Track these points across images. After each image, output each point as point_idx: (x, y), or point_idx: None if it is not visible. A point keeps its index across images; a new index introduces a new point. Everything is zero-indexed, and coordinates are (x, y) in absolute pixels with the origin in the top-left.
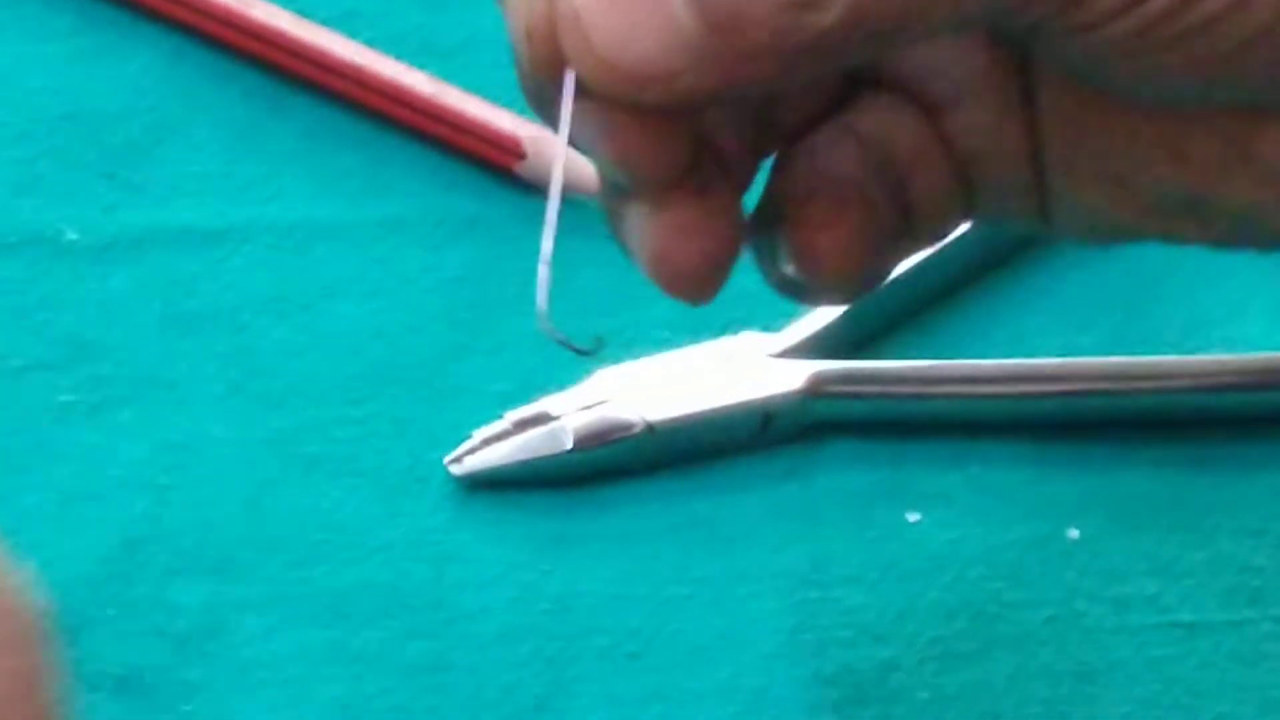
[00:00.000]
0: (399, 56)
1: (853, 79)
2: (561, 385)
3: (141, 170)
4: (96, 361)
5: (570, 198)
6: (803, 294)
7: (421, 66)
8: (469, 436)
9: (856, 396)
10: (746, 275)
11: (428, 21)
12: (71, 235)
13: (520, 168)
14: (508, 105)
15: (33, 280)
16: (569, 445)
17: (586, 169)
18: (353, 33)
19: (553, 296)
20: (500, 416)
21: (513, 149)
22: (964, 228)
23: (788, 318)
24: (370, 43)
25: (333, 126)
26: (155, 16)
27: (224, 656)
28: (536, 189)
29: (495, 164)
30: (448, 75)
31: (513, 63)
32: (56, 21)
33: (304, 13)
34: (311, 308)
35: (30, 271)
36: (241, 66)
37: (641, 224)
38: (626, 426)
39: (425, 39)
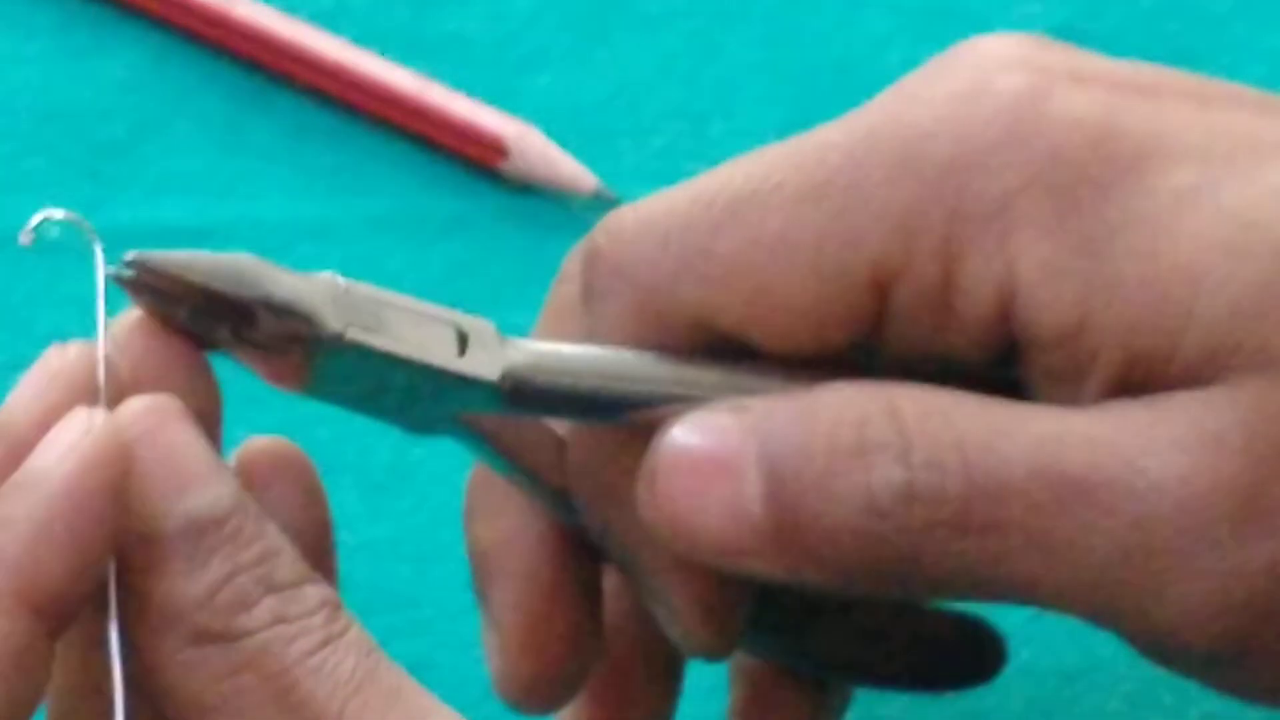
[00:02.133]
0: (384, 54)
1: None
2: None
3: (125, 168)
4: None
5: (553, 195)
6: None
7: (406, 64)
8: None
9: None
10: None
11: (413, 19)
12: (54, 233)
13: (504, 165)
14: (492, 103)
15: (15, 278)
16: None
17: (564, 167)
18: (337, 30)
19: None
20: None
21: (496, 147)
22: None
23: None
24: (355, 40)
25: (317, 124)
26: (139, 14)
27: None
28: (520, 187)
29: (479, 162)
30: (432, 73)
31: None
32: (39, 18)
33: (289, 10)
34: None
35: (13, 269)
36: (225, 64)
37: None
38: None
39: (410, 37)
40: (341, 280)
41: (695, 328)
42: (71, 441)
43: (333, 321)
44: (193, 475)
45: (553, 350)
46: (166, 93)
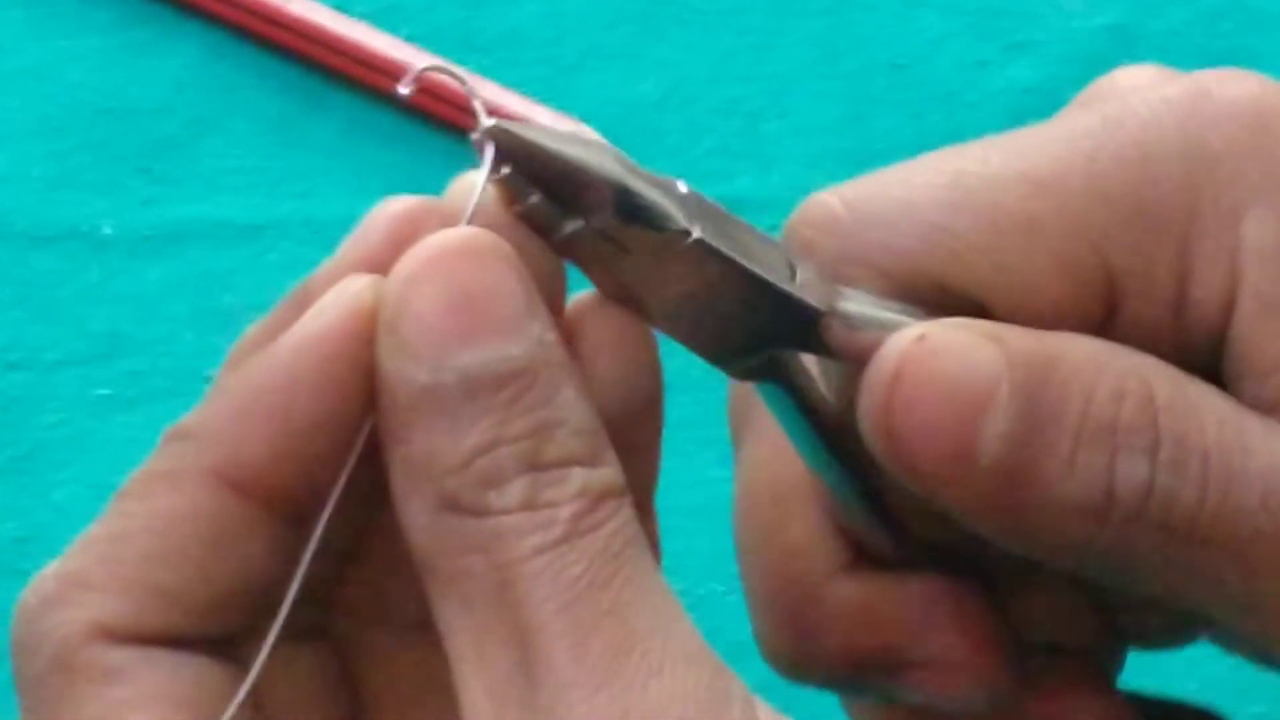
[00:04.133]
0: (438, 51)
1: None
2: None
3: (179, 165)
4: (133, 356)
5: None
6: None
7: (460, 62)
8: None
9: None
10: None
11: (467, 16)
12: (108, 229)
13: None
14: (545, 101)
15: (69, 274)
16: None
17: None
18: (392, 28)
19: None
20: None
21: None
22: None
23: None
24: (409, 38)
25: (370, 122)
26: (195, 12)
27: None
28: None
29: None
30: (486, 70)
31: None
32: (96, 16)
33: (343, 8)
34: None
35: (67, 265)
36: (280, 62)
37: None
38: None
39: (464, 34)
40: (685, 186)
41: (938, 292)
42: (311, 320)
43: (683, 219)
44: (481, 327)
45: (867, 296)
46: (222, 90)
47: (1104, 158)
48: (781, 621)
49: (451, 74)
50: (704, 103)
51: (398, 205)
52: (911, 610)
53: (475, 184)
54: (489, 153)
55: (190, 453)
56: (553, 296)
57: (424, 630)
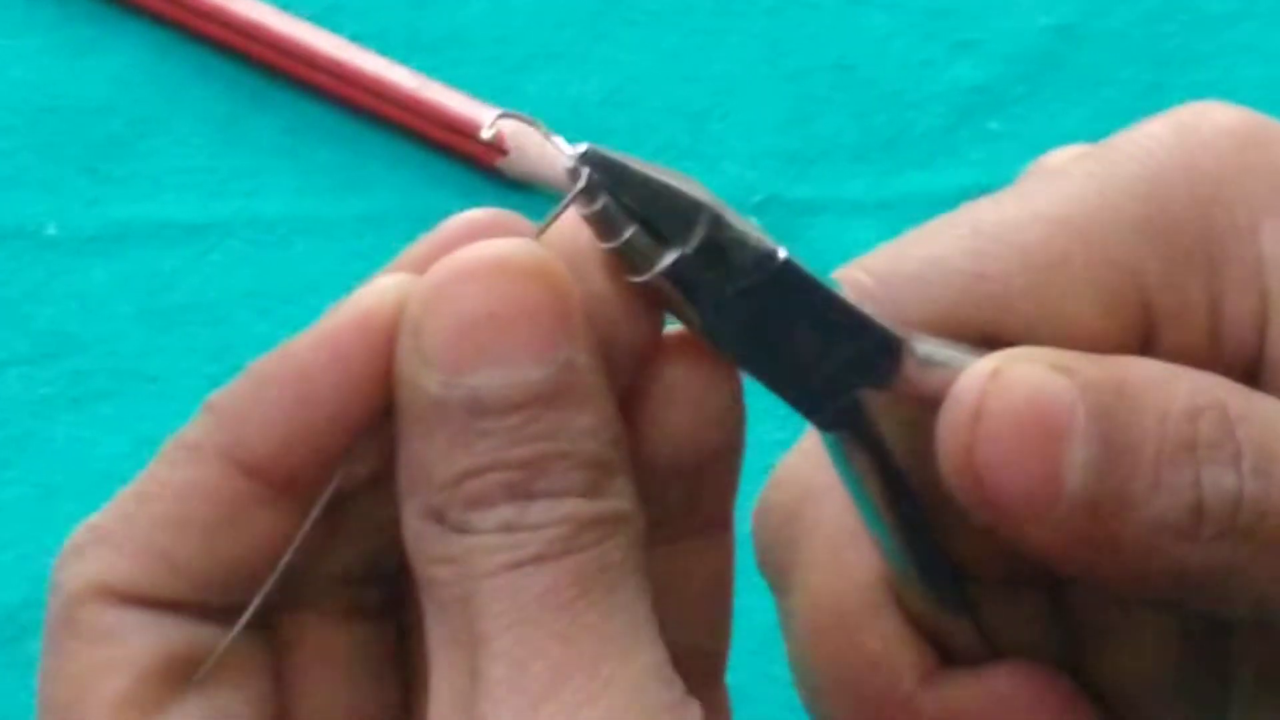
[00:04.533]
0: (382, 52)
1: None
2: None
3: (123, 164)
4: (77, 355)
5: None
6: None
7: (405, 62)
8: None
9: None
10: None
11: (411, 17)
12: (52, 230)
13: (502, 164)
14: (490, 101)
15: (13, 274)
16: None
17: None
18: (336, 28)
19: None
20: None
21: (495, 145)
22: None
23: None
24: (353, 38)
25: (315, 122)
26: (138, 10)
27: None
28: (518, 185)
29: (477, 160)
30: (431, 71)
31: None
32: (38, 15)
33: (287, 8)
34: (293, 302)
35: (11, 265)
36: (224, 61)
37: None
38: None
39: (408, 35)
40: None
41: (983, 340)
42: (332, 314)
43: (770, 241)
44: (501, 347)
45: (932, 338)
46: (166, 89)
47: (1113, 193)
48: None
49: (530, 122)
50: (650, 102)
51: (478, 214)
52: (1013, 703)
53: (567, 213)
54: (582, 178)
55: (210, 428)
56: (637, 334)
57: None
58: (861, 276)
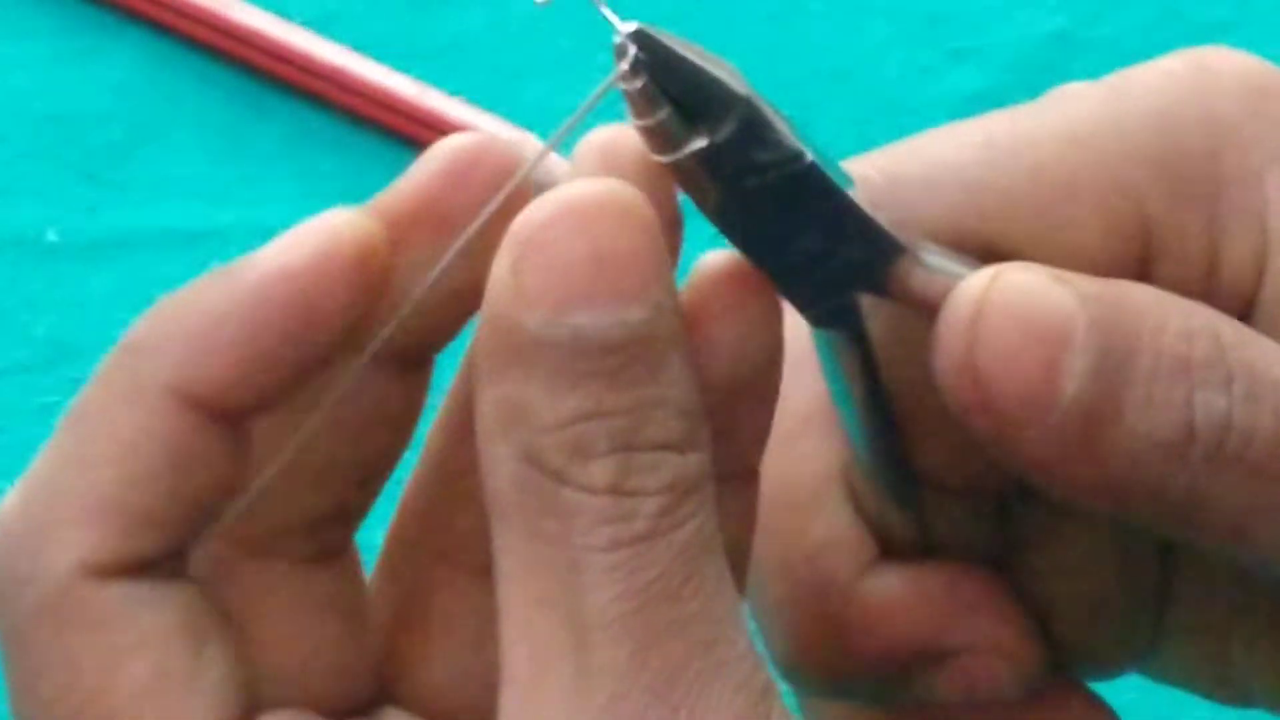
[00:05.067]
0: (382, 59)
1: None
2: None
3: (123, 172)
4: (78, 363)
5: None
6: None
7: (404, 70)
8: None
9: None
10: None
11: (411, 25)
12: (53, 236)
13: None
14: (490, 109)
15: (13, 281)
16: None
17: (561, 172)
18: (336, 35)
19: None
20: None
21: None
22: None
23: None
24: (353, 46)
25: (315, 129)
26: (138, 18)
27: None
28: None
29: None
30: (430, 78)
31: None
32: (39, 22)
33: (286, 15)
34: None
35: (11, 272)
36: (224, 69)
37: None
38: None
39: (408, 42)
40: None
41: (984, 251)
42: (284, 249)
43: (798, 142)
44: (606, 288)
45: (937, 247)
46: (165, 97)
47: (1128, 121)
48: (811, 628)
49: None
50: None
51: (459, 140)
52: (948, 599)
53: (608, 137)
54: (629, 56)
55: (146, 370)
56: (671, 243)
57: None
58: (871, 173)
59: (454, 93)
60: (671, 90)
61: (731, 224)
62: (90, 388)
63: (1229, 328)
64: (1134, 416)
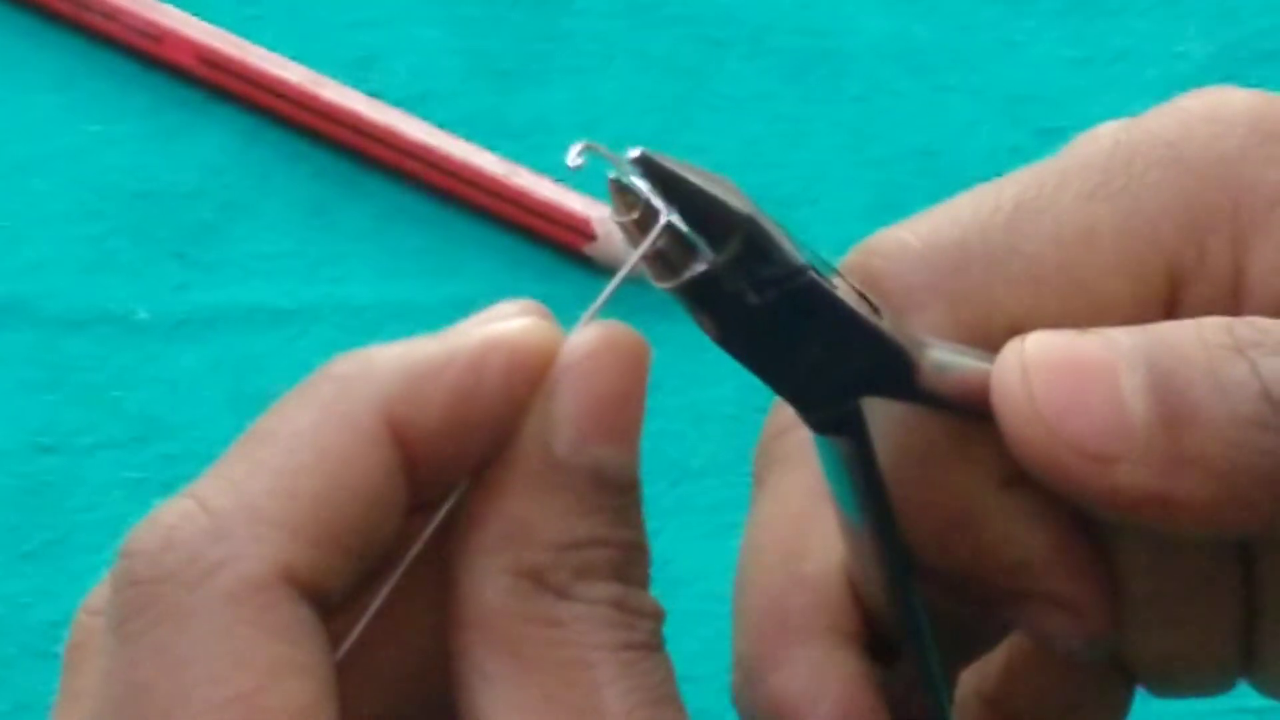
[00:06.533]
0: (470, 138)
1: None
2: None
3: (213, 249)
4: (167, 440)
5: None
6: None
7: (492, 148)
8: None
9: None
10: None
11: (499, 103)
12: (143, 314)
13: (590, 249)
14: (578, 187)
15: (104, 358)
16: None
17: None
18: (424, 114)
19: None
20: None
21: (583, 230)
22: None
23: None
24: (442, 124)
25: (403, 207)
26: (229, 97)
27: None
28: (606, 270)
29: (565, 245)
30: (518, 157)
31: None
32: (131, 101)
33: (376, 94)
34: None
35: (101, 349)
36: (313, 147)
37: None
38: None
39: (496, 120)
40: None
41: (1011, 331)
42: (499, 321)
43: (800, 256)
44: (624, 431)
45: (945, 344)
46: (255, 175)
47: (1140, 160)
48: (757, 665)
49: (604, 152)
50: None
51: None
52: (1060, 541)
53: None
54: (642, 182)
55: (364, 393)
56: None
57: None
58: (907, 236)
59: (541, 170)
60: (678, 205)
61: (734, 342)
62: (287, 406)
63: (1260, 319)
64: (1209, 407)
